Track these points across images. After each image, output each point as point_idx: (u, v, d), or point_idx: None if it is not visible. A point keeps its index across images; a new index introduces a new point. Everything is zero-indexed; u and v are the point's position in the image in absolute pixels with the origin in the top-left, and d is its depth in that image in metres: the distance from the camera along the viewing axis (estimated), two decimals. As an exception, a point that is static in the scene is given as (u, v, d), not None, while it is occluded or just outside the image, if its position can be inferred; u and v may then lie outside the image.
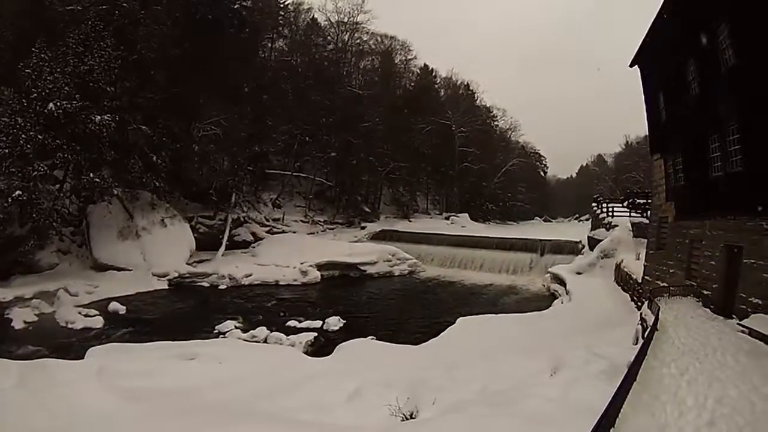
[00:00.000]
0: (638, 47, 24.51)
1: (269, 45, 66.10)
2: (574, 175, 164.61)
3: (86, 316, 25.29)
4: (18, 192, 28.23)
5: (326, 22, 76.60)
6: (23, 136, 28.69)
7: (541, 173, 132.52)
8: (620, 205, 41.68)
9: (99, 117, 32.26)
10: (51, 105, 29.93)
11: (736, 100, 15.80)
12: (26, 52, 30.83)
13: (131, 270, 33.67)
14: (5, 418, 10.97)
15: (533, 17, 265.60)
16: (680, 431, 7.55)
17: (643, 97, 25.55)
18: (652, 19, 21.67)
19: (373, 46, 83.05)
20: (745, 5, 14.89)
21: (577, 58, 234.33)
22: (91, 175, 32.59)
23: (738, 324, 14.02)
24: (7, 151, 28.71)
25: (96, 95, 33.32)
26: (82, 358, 17.11)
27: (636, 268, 27.08)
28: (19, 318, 24.54)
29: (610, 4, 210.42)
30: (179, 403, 13.10)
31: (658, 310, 15.31)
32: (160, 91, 38.85)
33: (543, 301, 32.66)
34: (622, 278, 29.37)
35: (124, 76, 35.59)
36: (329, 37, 76.22)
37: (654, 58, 23.60)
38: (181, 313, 28.31)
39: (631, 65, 26.00)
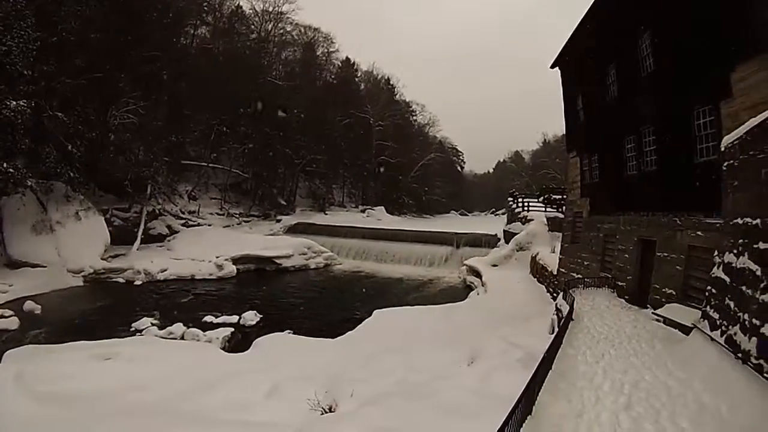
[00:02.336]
0: (560, 50, 25.91)
1: (191, 32, 64.96)
2: (491, 170, 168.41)
3: (1, 317, 24.21)
4: None
5: (251, 11, 76.31)
6: (-67, 123, 26.86)
7: (459, 168, 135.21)
8: (536, 200, 43.39)
9: (14, 102, 30.92)
10: (-38, 89, 28.23)
11: (654, 104, 17.26)
12: None
13: (46, 267, 32.49)
14: None
15: (459, 23, 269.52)
16: (597, 416, 8.03)
17: (562, 97, 27.02)
18: (576, 25, 23.04)
19: (296, 37, 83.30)
20: (667, 17, 16.28)
21: (501, 61, 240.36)
22: (5, 164, 31.07)
23: (653, 313, 15.23)
24: None
25: (12, 79, 31.73)
26: None
27: (551, 260, 28.47)
28: (-70, 321, 23.28)
29: (537, 14, 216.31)
30: (99, 406, 12.98)
31: (573, 300, 16.13)
32: (79, 76, 37.50)
33: (459, 293, 33.80)
34: (538, 270, 30.74)
35: (43, 59, 34.26)
36: (253, 26, 75.97)
37: (574, 61, 25.09)
38: (98, 310, 27.68)
39: (552, 67, 27.44)
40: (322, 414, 11.90)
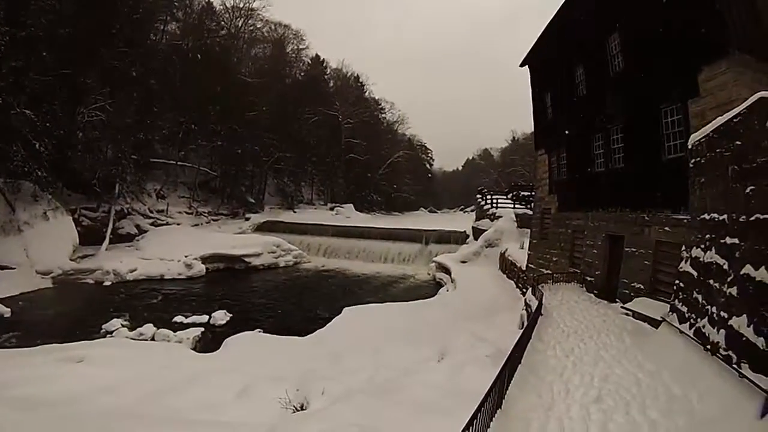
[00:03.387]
0: (530, 49, 26.36)
1: (161, 27, 64.40)
2: (461, 167, 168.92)
3: None
4: None
5: (221, 7, 75.95)
6: None
7: (427, 165, 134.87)
8: (505, 197, 43.86)
9: None
10: (-73, 86, 27.47)
11: (623, 103, 17.79)
12: None
13: (14, 269, 32.28)
14: None
15: (435, 23, 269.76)
16: (568, 409, 8.30)
17: (530, 95, 27.47)
18: (545, 25, 23.54)
19: (266, 34, 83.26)
20: (636, 17, 16.84)
21: (472, 62, 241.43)
22: None
23: (621, 307, 15.61)
24: None
25: None
26: None
27: (520, 256, 28.91)
28: None
29: (511, 17, 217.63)
30: (69, 410, 12.83)
31: (542, 295, 16.50)
32: (48, 73, 37.17)
33: (428, 289, 34.18)
34: (507, 266, 31.15)
35: (11, 55, 34.02)
36: (223, 23, 75.46)
37: (543, 60, 25.54)
38: (67, 312, 27.44)
39: (522, 65, 27.88)
40: (294, 412, 12.05)
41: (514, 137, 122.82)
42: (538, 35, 25.31)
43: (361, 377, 14.11)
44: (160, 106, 53.30)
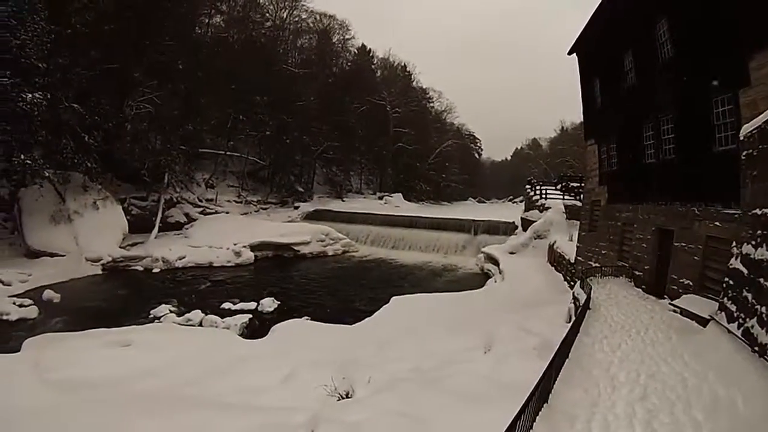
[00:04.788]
0: (577, 36, 25.47)
1: (206, 21, 64.75)
2: (509, 157, 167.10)
3: (20, 306, 24.35)
4: None
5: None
6: (-50, 117, 27.02)
7: (476, 155, 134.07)
8: (554, 188, 42.95)
9: (30, 95, 31.45)
10: (-22, 83, 28.40)
11: (672, 91, 16.79)
12: None
13: (64, 255, 32.90)
14: None
15: (477, 5, 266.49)
16: (613, 405, 7.93)
17: (579, 84, 26.55)
18: (594, 10, 22.61)
19: (311, 25, 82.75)
20: (684, 4, 15.95)
21: (520, 46, 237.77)
22: (22, 156, 31.82)
23: (669, 304, 14.88)
24: None
25: (27, 72, 32.21)
26: (18, 350, 16.87)
27: (569, 248, 28.15)
28: (-49, 312, 23.52)
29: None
30: (111, 392, 12.97)
31: (590, 289, 15.97)
32: (94, 68, 37.68)
33: (476, 280, 33.44)
34: (555, 258, 30.41)
35: (57, 52, 34.43)
36: (267, 14, 75.38)
37: (592, 47, 24.58)
38: (116, 298, 27.91)
39: (570, 53, 27.01)
40: (339, 400, 11.83)
41: (562, 126, 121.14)
42: (586, 21, 24.42)
43: (406, 366, 13.79)
44: (207, 97, 53.57)
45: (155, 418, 10.84)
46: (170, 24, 46.71)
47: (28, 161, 32.04)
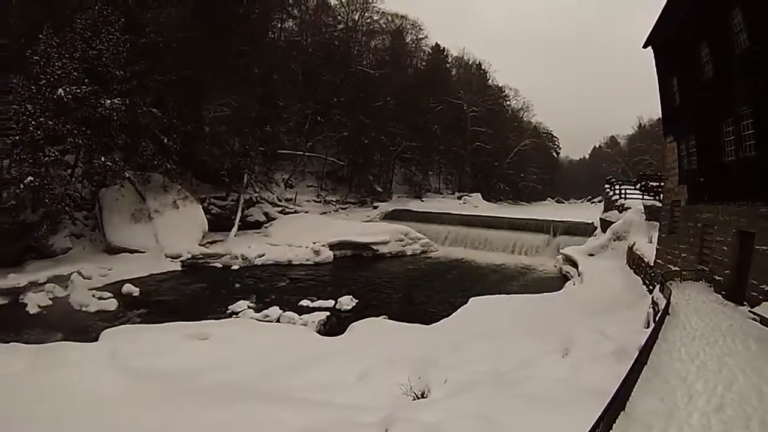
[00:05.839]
0: (651, 28, 24.08)
1: (278, 25, 65.32)
2: (587, 156, 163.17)
3: (100, 298, 25.35)
4: (30, 178, 28.31)
5: (336, 2, 76.06)
6: (33, 122, 28.67)
7: (554, 154, 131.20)
8: (633, 187, 41.31)
9: (109, 101, 32.52)
10: (60, 90, 29.85)
11: (751, 85, 15.44)
12: (33, 39, 30.54)
13: (144, 252, 33.85)
14: (14, 402, 10.99)
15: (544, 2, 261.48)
16: (689, 416, 7.53)
17: (656, 79, 25.14)
18: (666, 0, 21.30)
19: (383, 26, 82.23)
20: None
21: (591, 41, 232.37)
22: (103, 158, 33.17)
23: (749, 311, 13.96)
24: (17, 137, 29.00)
25: (105, 79, 33.44)
26: (96, 340, 17.16)
27: (648, 251, 26.91)
28: (33, 303, 24.54)
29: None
30: (187, 383, 13.22)
31: (670, 294, 15.10)
32: (170, 74, 38.57)
33: (554, 282, 32.65)
34: (634, 261, 29.20)
35: (133, 60, 35.48)
36: (339, 17, 75.72)
37: (667, 39, 23.14)
38: (194, 293, 28.46)
39: (645, 46, 25.56)
40: (414, 399, 11.60)
41: (640, 123, 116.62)
42: (659, 13, 22.93)
43: (483, 368, 13.35)
44: (284, 99, 54.12)
45: (228, 409, 10.98)
46: (243, 30, 47.18)
47: (109, 163, 33.26)
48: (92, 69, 32.67)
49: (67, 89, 30.11)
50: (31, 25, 31.68)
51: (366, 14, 77.35)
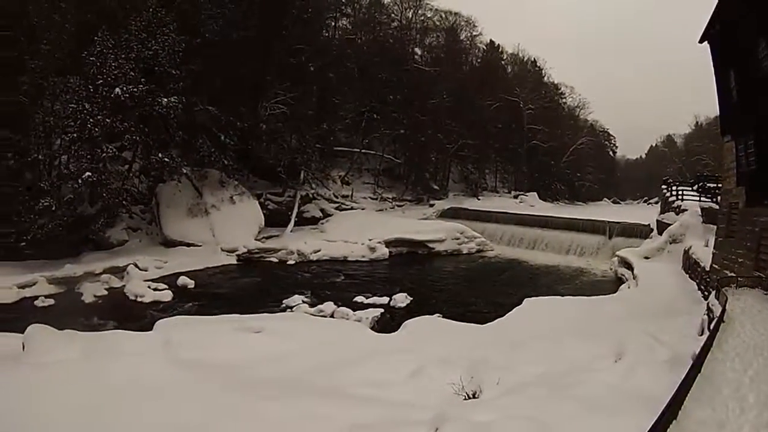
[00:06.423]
0: (707, 22, 23.16)
1: (332, 24, 65.90)
2: (644, 156, 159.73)
3: (155, 290, 25.76)
4: (88, 173, 29.23)
5: (389, 0, 76.08)
6: (91, 120, 29.52)
7: (610, 153, 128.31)
8: (690, 188, 40.06)
9: (165, 99, 33.26)
10: (117, 90, 30.69)
11: None
12: (89, 41, 31.41)
13: (200, 246, 34.49)
14: (70, 388, 10.92)
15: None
16: (740, 429, 7.21)
17: (713, 75, 24.24)
18: None
19: (437, 23, 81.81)
20: None
21: (647, 36, 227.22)
22: (160, 155, 33.85)
23: None
24: (75, 135, 29.98)
25: (161, 79, 34.17)
26: (150, 330, 17.18)
27: (704, 255, 25.88)
28: (89, 292, 25.12)
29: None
30: (239, 374, 13.14)
31: (726, 301, 14.53)
32: (226, 73, 39.41)
33: (609, 284, 31.92)
34: (690, 266, 28.18)
35: (189, 59, 36.18)
36: (393, 15, 75.94)
37: (724, 34, 22.21)
38: (249, 287, 28.65)
39: (701, 41, 24.59)
40: (466, 399, 11.27)
41: (697, 122, 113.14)
42: (715, 5, 21.92)
43: (535, 370, 13.05)
44: (340, 97, 54.49)
45: (278, 402, 10.84)
46: (297, 28, 47.72)
47: (166, 159, 33.93)
48: (148, 69, 33.36)
49: (124, 88, 30.89)
50: (82, 28, 32.55)
51: (419, 11, 77.65)
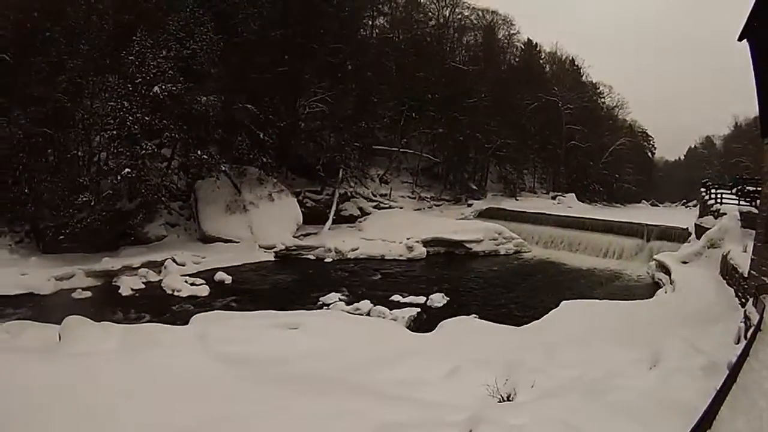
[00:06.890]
0: (746, 19, 22.45)
1: (369, 23, 66.15)
2: (682, 157, 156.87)
3: (192, 284, 26.04)
4: (127, 170, 29.64)
5: (426, -1, 76.11)
6: (130, 118, 29.88)
7: (649, 154, 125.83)
8: (729, 191, 39.05)
9: (204, 98, 33.49)
10: (156, 88, 30.99)
11: None
12: (127, 41, 31.92)
13: (238, 242, 34.77)
14: (106, 378, 10.88)
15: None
16: None
17: (753, 74, 23.52)
18: None
19: (475, 21, 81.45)
20: None
21: (686, 35, 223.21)
22: (199, 152, 34.28)
23: None
24: (115, 132, 30.36)
25: (200, 77, 34.62)
26: (186, 324, 17.35)
27: (742, 261, 25.08)
28: (127, 286, 25.53)
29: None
30: (275, 371, 13.07)
31: (764, 309, 14.08)
32: (264, 71, 39.78)
33: (646, 289, 31.34)
34: (728, 271, 27.34)
35: (227, 58, 36.73)
36: (430, 14, 75.60)
37: (764, 30, 21.57)
38: (286, 284, 28.80)
39: (740, 39, 23.83)
40: (500, 401, 11.07)
41: (736, 123, 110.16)
42: (753, 2, 21.18)
43: (571, 374, 12.72)
44: (378, 96, 54.25)
45: (311, 398, 10.73)
46: (334, 27, 47.87)
47: (205, 156, 34.33)
48: (187, 67, 33.73)
49: (163, 87, 31.19)
50: (125, 28, 33.12)
51: (457, 10, 77.37)
